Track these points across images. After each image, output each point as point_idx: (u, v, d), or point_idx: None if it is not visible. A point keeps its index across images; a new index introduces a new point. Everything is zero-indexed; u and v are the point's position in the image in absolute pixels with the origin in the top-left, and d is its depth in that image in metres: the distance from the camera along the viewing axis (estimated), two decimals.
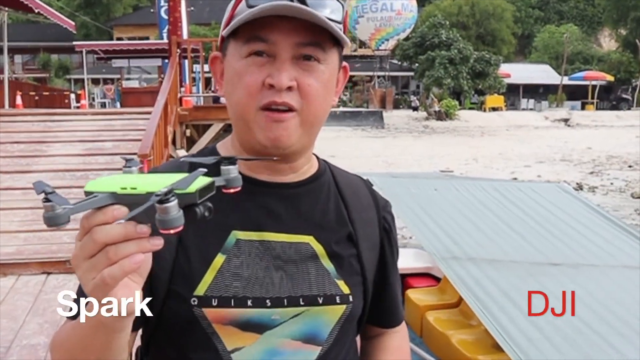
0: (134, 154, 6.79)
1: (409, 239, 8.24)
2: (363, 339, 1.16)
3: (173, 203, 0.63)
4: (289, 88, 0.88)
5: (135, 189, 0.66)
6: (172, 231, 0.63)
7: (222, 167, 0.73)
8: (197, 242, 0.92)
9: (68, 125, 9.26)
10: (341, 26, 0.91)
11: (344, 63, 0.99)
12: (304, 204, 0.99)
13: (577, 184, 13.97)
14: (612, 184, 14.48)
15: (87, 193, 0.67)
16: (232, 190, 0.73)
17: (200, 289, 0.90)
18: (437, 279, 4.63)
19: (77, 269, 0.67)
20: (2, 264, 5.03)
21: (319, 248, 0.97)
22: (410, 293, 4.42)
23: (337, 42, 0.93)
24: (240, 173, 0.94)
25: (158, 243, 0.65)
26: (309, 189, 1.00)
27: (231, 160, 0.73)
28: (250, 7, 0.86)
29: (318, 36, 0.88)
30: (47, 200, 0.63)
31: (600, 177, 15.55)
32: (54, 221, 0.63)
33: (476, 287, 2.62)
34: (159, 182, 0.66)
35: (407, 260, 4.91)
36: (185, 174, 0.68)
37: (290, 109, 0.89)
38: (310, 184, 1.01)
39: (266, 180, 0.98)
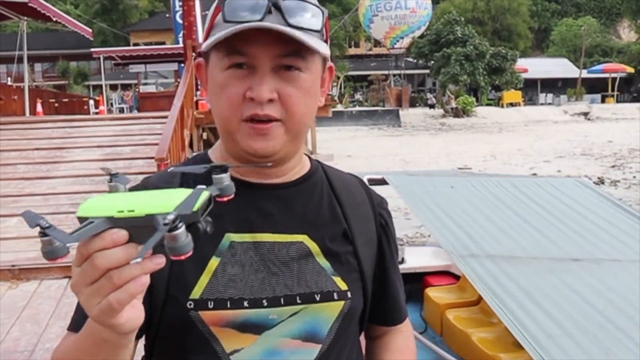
0: (151, 158, 6.85)
1: (427, 237, 8.20)
2: (367, 339, 1.15)
3: (182, 229, 0.63)
4: (270, 100, 0.88)
5: (132, 211, 0.64)
6: (183, 257, 0.63)
7: (215, 176, 0.72)
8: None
9: (87, 131, 9.39)
10: (320, 34, 0.90)
11: (329, 63, 0.98)
12: (297, 203, 0.99)
13: (599, 178, 13.78)
14: (634, 177, 14.25)
15: (81, 219, 0.65)
16: (225, 199, 0.72)
17: (196, 293, 0.90)
18: (457, 277, 4.60)
19: (79, 295, 0.66)
20: (25, 269, 5.11)
21: (313, 246, 0.97)
22: (430, 291, 4.39)
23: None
24: (231, 175, 0.96)
25: (160, 262, 0.64)
26: (300, 189, 1.00)
27: (223, 168, 0.72)
28: (226, 22, 0.86)
29: (297, 45, 0.87)
30: (43, 234, 0.62)
31: (622, 171, 15.32)
32: (53, 255, 0.62)
33: (495, 285, 2.59)
34: (155, 202, 0.65)
35: (425, 259, 4.87)
36: (179, 190, 0.68)
37: (272, 119, 0.89)
38: (302, 184, 1.01)
39: (257, 182, 0.98)
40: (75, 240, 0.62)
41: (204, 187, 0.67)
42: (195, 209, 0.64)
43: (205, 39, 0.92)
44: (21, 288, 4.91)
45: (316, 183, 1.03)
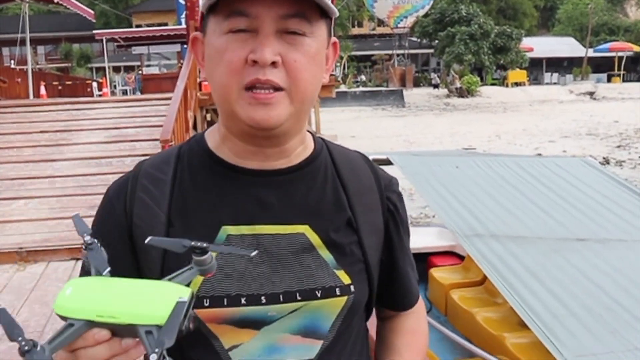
0: (156, 139, 6.86)
1: (431, 217, 8.21)
2: (378, 319, 1.12)
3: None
4: (274, 64, 0.82)
5: (113, 318, 0.63)
6: (209, 275, 0.66)
7: (195, 258, 0.69)
8: None
9: (91, 113, 9.38)
10: None
11: (334, 38, 0.92)
12: (298, 191, 0.92)
13: (604, 158, 13.73)
14: None
15: (61, 316, 0.64)
16: (208, 276, 0.71)
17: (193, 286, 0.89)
18: (461, 257, 4.61)
19: None
20: (33, 251, 5.14)
21: (314, 238, 0.91)
22: (434, 272, 4.41)
23: (325, 14, 0.86)
24: (227, 162, 0.92)
25: (143, 350, 0.63)
26: (302, 174, 0.94)
27: (203, 250, 0.69)
28: None
29: (302, 6, 0.82)
30: (24, 352, 0.60)
31: (627, 151, 15.25)
32: None
33: (500, 265, 2.59)
34: (137, 308, 0.64)
35: (430, 239, 4.88)
36: (161, 286, 0.66)
37: (276, 88, 0.83)
38: (305, 168, 0.94)
39: (256, 169, 0.92)
40: (55, 349, 0.62)
41: (185, 300, 0.65)
42: (186, 325, 0.64)
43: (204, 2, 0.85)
44: (29, 270, 4.94)
45: (320, 166, 0.96)
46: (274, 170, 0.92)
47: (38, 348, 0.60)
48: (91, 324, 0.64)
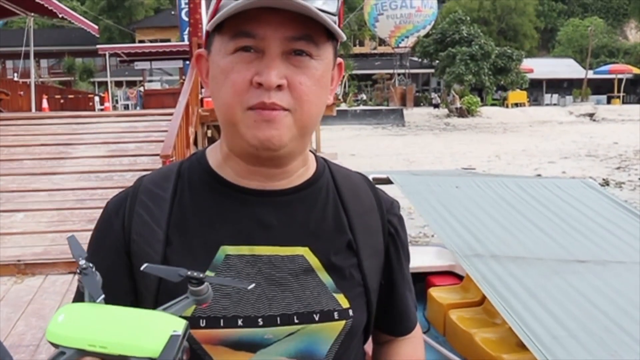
0: (156, 155, 6.87)
1: (430, 237, 8.20)
2: (375, 344, 1.10)
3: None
4: (279, 87, 0.81)
5: (105, 348, 0.63)
6: (204, 305, 0.66)
7: (191, 288, 0.69)
8: (184, 260, 0.85)
9: (92, 127, 9.41)
10: (335, 18, 0.83)
11: (339, 59, 0.92)
12: (299, 212, 0.91)
13: (604, 179, 13.74)
14: (639, 179, 14.20)
15: (53, 344, 0.64)
16: (203, 306, 0.71)
17: (188, 310, 0.85)
18: (460, 277, 4.59)
19: None
20: (31, 263, 5.13)
21: (314, 260, 0.90)
22: (433, 291, 4.39)
23: (332, 36, 0.85)
24: (228, 181, 0.91)
25: None
26: (304, 195, 0.93)
27: (199, 280, 0.68)
28: None
29: (310, 29, 0.81)
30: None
31: (627, 173, 15.27)
32: None
33: (499, 285, 2.58)
34: (129, 339, 0.63)
35: (429, 259, 4.87)
36: (153, 316, 0.66)
37: (280, 109, 0.82)
38: (306, 190, 0.93)
39: (257, 189, 0.90)
40: None
41: (179, 333, 0.64)
42: (177, 356, 0.63)
43: (209, 22, 0.84)
44: (26, 283, 4.93)
45: (321, 188, 0.95)
46: (275, 190, 0.91)
47: None
48: (82, 353, 0.63)
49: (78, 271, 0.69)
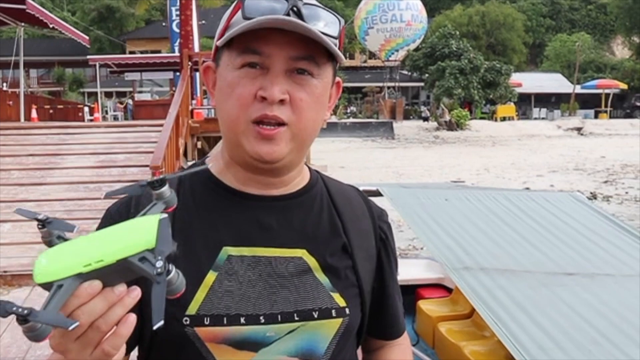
0: (146, 166, 6.85)
1: (420, 249, 8.21)
2: (364, 352, 1.13)
3: (174, 270, 0.62)
4: (281, 101, 0.87)
5: (101, 260, 0.61)
6: (179, 295, 0.63)
7: (155, 192, 0.68)
8: (187, 260, 0.89)
9: (82, 137, 9.37)
10: (336, 41, 0.90)
11: (337, 78, 0.99)
12: (296, 217, 0.97)
13: (591, 193, 13.84)
14: (627, 192, 14.32)
15: (45, 285, 0.61)
16: (170, 210, 0.69)
17: (192, 308, 0.88)
18: (449, 290, 4.60)
19: (67, 353, 0.64)
20: (17, 275, 5.08)
21: (312, 261, 0.95)
22: (422, 304, 4.39)
23: (332, 57, 0.92)
24: (229, 186, 0.96)
25: (137, 294, 0.63)
26: (300, 201, 0.98)
27: (161, 182, 0.69)
28: (246, 18, 0.85)
29: (312, 50, 0.87)
30: (23, 320, 0.57)
31: (614, 186, 15.40)
32: (39, 338, 0.59)
33: (488, 298, 2.59)
34: (121, 243, 0.62)
35: (418, 271, 4.88)
36: (136, 221, 0.64)
37: (280, 124, 0.88)
38: (302, 196, 0.99)
39: (257, 194, 0.96)
40: (51, 318, 0.58)
41: (165, 215, 0.64)
42: (172, 248, 0.62)
43: (219, 39, 0.91)
44: (12, 294, 4.88)
45: (316, 195, 1.01)
46: (273, 196, 0.97)
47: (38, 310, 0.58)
48: (80, 278, 0.61)
49: (40, 226, 0.67)
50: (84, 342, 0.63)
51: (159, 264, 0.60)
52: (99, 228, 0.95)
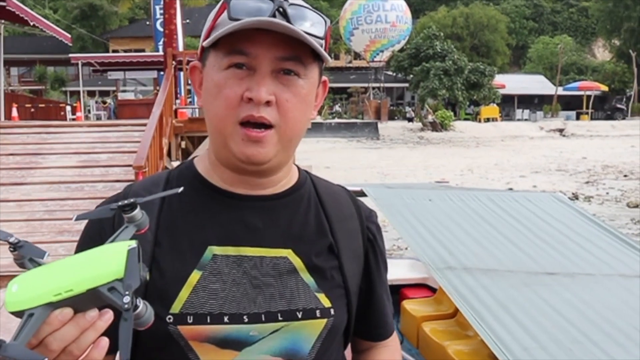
0: (129, 165, 6.79)
1: (404, 249, 8.24)
2: (353, 353, 1.13)
3: (142, 304, 0.63)
4: (267, 103, 0.87)
5: (71, 290, 0.61)
6: (147, 326, 0.64)
7: (126, 215, 0.69)
8: (172, 259, 0.91)
9: (64, 137, 9.26)
10: (322, 42, 0.90)
11: (324, 77, 0.99)
12: (283, 217, 0.97)
13: (573, 193, 14.01)
14: (607, 193, 14.52)
15: (17, 313, 0.62)
16: (142, 232, 0.70)
17: (176, 307, 0.89)
18: (433, 290, 4.62)
19: None
20: None
21: (297, 262, 0.95)
22: (406, 304, 4.41)
23: (318, 57, 0.92)
24: (216, 186, 0.96)
25: (109, 317, 0.64)
26: (287, 201, 0.98)
27: (131, 206, 0.69)
28: (232, 19, 0.85)
29: (298, 50, 0.88)
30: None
31: (595, 187, 15.60)
32: None
33: (471, 297, 2.61)
34: (90, 272, 0.62)
35: (402, 271, 4.89)
36: (106, 248, 0.65)
37: (267, 126, 0.88)
38: (289, 196, 0.99)
39: (243, 194, 0.96)
40: (22, 345, 0.59)
41: (134, 244, 0.64)
42: (142, 275, 0.63)
43: (205, 39, 0.91)
44: None
45: (304, 195, 1.01)
46: (260, 196, 0.97)
47: (7, 343, 0.58)
48: (51, 306, 0.62)
49: (12, 249, 0.67)
50: None
51: (127, 299, 0.61)
52: (86, 228, 0.97)
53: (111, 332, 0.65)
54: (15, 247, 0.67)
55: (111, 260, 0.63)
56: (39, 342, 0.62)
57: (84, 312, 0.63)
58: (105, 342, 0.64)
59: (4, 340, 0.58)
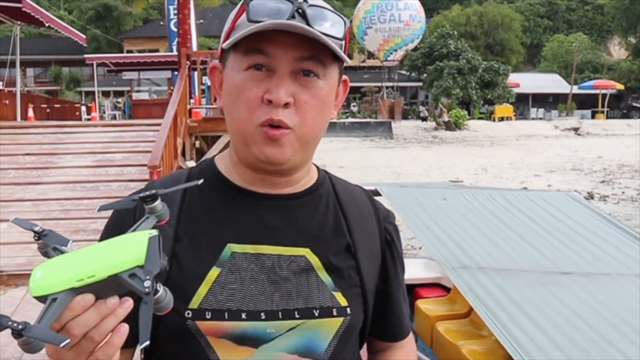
0: (144, 165, 6.84)
1: (418, 249, 8.21)
2: (369, 353, 1.14)
3: (162, 289, 0.64)
4: (286, 105, 0.88)
5: (93, 276, 0.63)
6: (166, 311, 0.66)
7: (148, 206, 0.71)
8: (192, 255, 0.92)
9: (79, 137, 9.35)
10: (342, 42, 0.90)
11: (344, 77, 0.99)
12: (301, 216, 0.98)
13: (588, 193, 13.88)
14: (623, 192, 14.36)
15: (40, 297, 0.64)
16: (162, 223, 0.72)
17: (194, 302, 0.90)
18: (447, 289, 4.60)
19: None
20: (13, 274, 5.07)
21: (315, 260, 0.96)
22: (420, 303, 4.39)
23: (338, 57, 0.92)
24: (236, 185, 0.97)
25: (129, 305, 0.65)
26: (306, 201, 0.99)
27: (153, 197, 0.71)
28: (251, 21, 0.86)
29: (318, 50, 0.88)
30: (18, 334, 0.60)
31: (611, 186, 15.44)
32: (33, 351, 0.62)
33: (486, 297, 2.60)
34: (112, 259, 0.64)
35: (416, 270, 4.88)
36: (128, 237, 0.66)
37: (285, 127, 0.89)
38: (308, 196, 1.00)
39: (263, 192, 0.97)
40: (46, 332, 0.61)
41: (155, 232, 0.66)
42: (162, 263, 0.65)
43: (224, 40, 0.91)
44: (9, 294, 4.87)
45: (322, 195, 1.02)
46: (279, 195, 0.98)
47: (31, 325, 0.60)
48: (73, 292, 0.63)
49: (36, 238, 0.70)
50: (78, 351, 0.65)
51: (147, 283, 0.62)
52: (107, 225, 0.99)
53: (131, 323, 0.66)
54: (39, 235, 0.70)
55: (132, 248, 0.65)
56: (61, 326, 0.64)
57: (104, 299, 0.65)
58: (125, 328, 0.65)
59: (28, 322, 0.60)
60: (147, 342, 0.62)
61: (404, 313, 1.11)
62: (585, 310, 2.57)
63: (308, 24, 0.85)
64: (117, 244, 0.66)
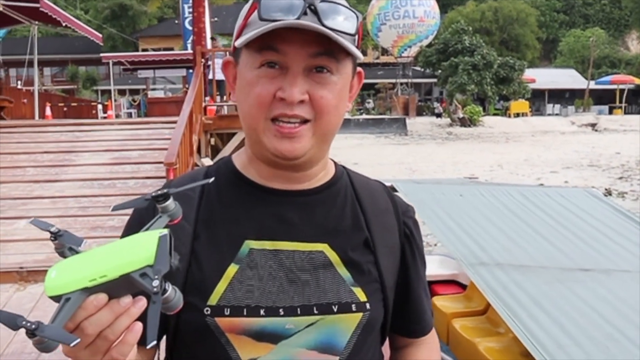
0: (160, 162, 6.88)
1: (433, 246, 8.18)
2: (392, 349, 1.13)
3: (170, 288, 0.65)
4: (301, 101, 0.87)
5: (105, 276, 0.64)
6: (176, 311, 0.66)
7: (160, 206, 0.72)
8: (210, 252, 0.93)
9: (95, 135, 9.43)
10: (355, 38, 0.90)
11: (359, 68, 0.98)
12: (319, 211, 0.97)
13: (606, 189, 13.71)
14: None
15: (55, 297, 0.65)
16: (175, 222, 0.73)
17: (213, 299, 0.90)
18: (464, 286, 4.58)
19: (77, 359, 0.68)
20: (33, 270, 5.13)
21: (333, 256, 0.95)
22: (436, 300, 4.38)
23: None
24: (253, 181, 0.97)
25: (142, 304, 0.66)
26: (324, 196, 0.99)
27: (164, 196, 0.72)
28: (262, 19, 0.85)
29: (331, 45, 0.87)
30: (32, 334, 0.61)
31: (629, 183, 15.24)
32: (47, 350, 0.63)
33: (504, 294, 2.58)
34: (124, 259, 0.65)
35: (432, 267, 4.86)
36: (139, 236, 0.67)
37: (302, 120, 0.89)
38: (325, 191, 0.99)
39: (279, 189, 0.97)
40: (58, 328, 0.62)
41: (165, 231, 0.67)
42: (172, 262, 0.66)
43: (237, 37, 0.91)
44: (29, 290, 4.92)
45: (340, 189, 1.01)
46: (296, 190, 0.97)
47: (45, 324, 0.61)
48: (86, 291, 0.64)
49: (52, 238, 0.71)
50: (93, 350, 0.66)
51: (155, 283, 0.63)
52: (128, 223, 1.00)
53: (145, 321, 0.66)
54: (55, 236, 0.71)
55: (143, 248, 0.65)
56: (75, 326, 0.65)
57: (118, 299, 0.66)
58: (139, 326, 0.66)
59: (41, 322, 0.61)
60: (154, 342, 0.62)
61: (426, 309, 1.10)
62: (605, 307, 2.54)
63: (320, 20, 0.85)
64: (128, 243, 0.67)
